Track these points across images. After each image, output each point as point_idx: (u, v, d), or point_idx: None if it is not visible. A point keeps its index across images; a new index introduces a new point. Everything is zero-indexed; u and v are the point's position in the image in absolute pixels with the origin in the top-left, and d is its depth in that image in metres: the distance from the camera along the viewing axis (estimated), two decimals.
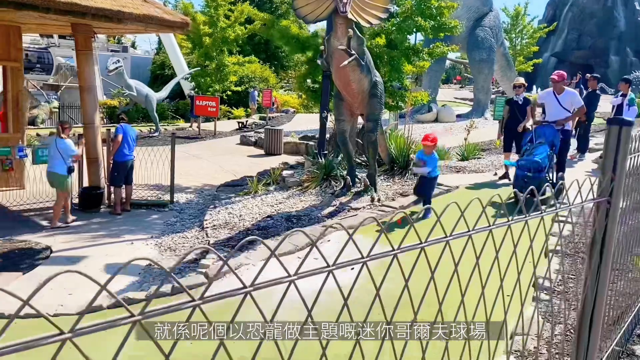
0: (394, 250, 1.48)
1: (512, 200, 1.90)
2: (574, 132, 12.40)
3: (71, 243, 7.33)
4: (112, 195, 9.13)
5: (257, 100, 25.86)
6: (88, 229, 8.10)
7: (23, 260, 6.65)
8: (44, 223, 8.42)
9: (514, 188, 7.50)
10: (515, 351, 3.49)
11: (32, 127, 20.65)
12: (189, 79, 22.62)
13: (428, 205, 2.50)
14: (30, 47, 29.98)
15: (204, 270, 5.47)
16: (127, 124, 9.39)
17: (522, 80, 9.96)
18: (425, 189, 7.79)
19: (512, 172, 8.83)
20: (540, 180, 7.51)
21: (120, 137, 8.93)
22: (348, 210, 7.66)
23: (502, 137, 10.60)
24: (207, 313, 1.17)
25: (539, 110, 9.14)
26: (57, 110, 22.81)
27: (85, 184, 9.51)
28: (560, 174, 8.36)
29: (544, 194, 7.21)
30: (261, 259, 5.68)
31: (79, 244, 7.29)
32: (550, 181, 7.95)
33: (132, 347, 3.39)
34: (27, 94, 22.02)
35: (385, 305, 1.52)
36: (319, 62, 8.56)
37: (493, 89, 29.96)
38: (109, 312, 4.84)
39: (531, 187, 1.93)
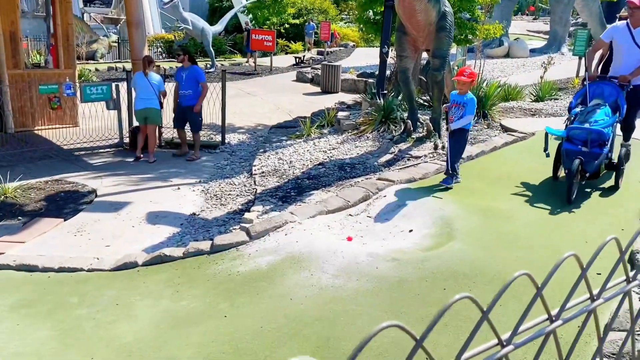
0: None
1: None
2: None
3: (117, 187, 7.07)
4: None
5: (316, 33, 24.75)
6: (137, 170, 7.84)
7: (67, 204, 6.45)
8: (94, 162, 8.25)
9: (565, 168, 5.57)
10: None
11: (91, 61, 20.72)
12: (245, 12, 21.77)
13: (454, 176, 1.75)
14: None
15: (246, 226, 5.02)
16: (186, 63, 8.54)
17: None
18: (454, 150, 5.91)
19: (553, 144, 6.03)
20: (601, 160, 5.50)
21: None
22: (408, 159, 6.94)
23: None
24: None
25: (598, 56, 6.32)
26: (115, 44, 22.72)
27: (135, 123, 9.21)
28: (626, 145, 6.26)
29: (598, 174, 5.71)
30: (309, 215, 5.15)
31: (125, 188, 7.03)
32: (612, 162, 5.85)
33: None
34: (86, 27, 22.05)
35: None
36: None
37: (572, 20, 27.33)
38: (143, 270, 4.50)
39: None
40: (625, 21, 6.07)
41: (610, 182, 5.92)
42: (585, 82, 6.00)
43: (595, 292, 0.96)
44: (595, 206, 5.42)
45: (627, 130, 6.43)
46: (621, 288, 1.03)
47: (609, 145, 5.54)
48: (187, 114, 8.41)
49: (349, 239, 4.83)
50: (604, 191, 5.80)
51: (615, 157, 5.84)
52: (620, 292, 1.03)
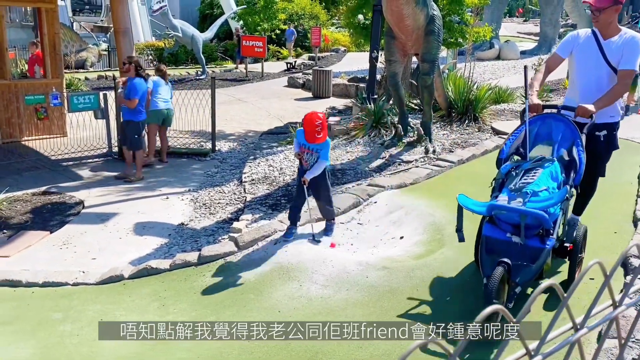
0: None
1: None
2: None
3: (105, 197, 6.97)
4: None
5: (306, 38, 24.69)
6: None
7: (54, 216, 6.35)
8: (82, 172, 8.14)
9: (483, 273, 3.40)
10: None
11: (81, 70, 20.58)
12: (236, 18, 21.72)
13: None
14: None
15: (235, 235, 4.93)
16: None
17: None
18: (323, 198, 4.95)
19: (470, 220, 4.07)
20: (544, 260, 3.37)
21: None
22: (399, 164, 6.89)
23: None
24: None
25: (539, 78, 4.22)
26: (105, 52, 22.60)
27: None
28: (576, 221, 4.14)
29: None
30: (298, 223, 5.07)
31: (113, 198, 6.93)
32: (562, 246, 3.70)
33: None
34: (76, 36, 21.94)
35: None
36: None
37: (562, 22, 27.46)
38: (129, 284, 4.41)
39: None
40: (588, 30, 4.12)
41: (563, 275, 3.97)
42: (524, 117, 3.92)
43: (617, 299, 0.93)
44: (587, 209, 5.37)
45: (585, 196, 4.24)
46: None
47: (555, 234, 3.40)
48: (125, 129, 7.77)
49: (332, 245, 4.75)
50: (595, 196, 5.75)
51: (569, 235, 3.83)
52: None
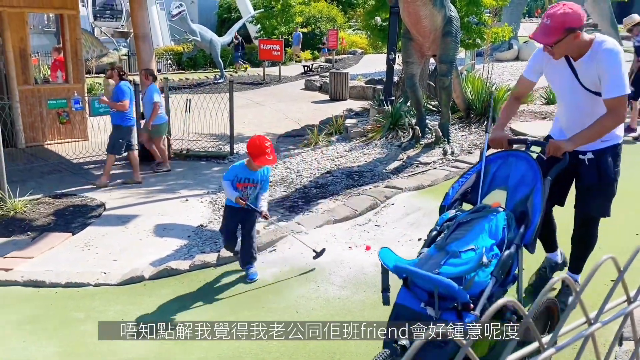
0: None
1: None
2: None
3: (126, 199, 7.07)
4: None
5: (323, 42, 24.74)
6: (145, 182, 7.84)
7: (76, 218, 6.46)
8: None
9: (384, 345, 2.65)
10: None
11: (102, 75, 20.87)
12: (253, 22, 21.87)
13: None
14: None
15: None
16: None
17: (636, 17, 8.30)
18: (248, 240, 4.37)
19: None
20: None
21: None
22: (416, 166, 6.87)
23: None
24: None
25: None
26: (126, 57, 22.91)
27: None
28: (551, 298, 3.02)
29: None
30: (315, 225, 5.09)
31: (134, 200, 7.02)
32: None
33: None
34: (97, 41, 22.28)
35: None
36: None
37: None
38: (150, 284, 4.47)
39: None
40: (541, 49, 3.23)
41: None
42: (482, 155, 3.17)
43: (631, 294, 0.94)
44: None
45: (578, 248, 3.44)
46: None
47: (480, 308, 2.47)
48: (112, 133, 7.73)
49: (367, 248, 4.71)
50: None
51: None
52: None
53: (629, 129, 7.90)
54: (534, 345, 0.76)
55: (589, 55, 2.98)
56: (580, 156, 3.17)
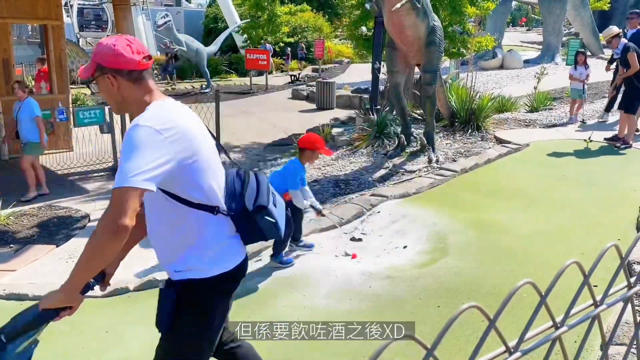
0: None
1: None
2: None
3: None
4: None
5: (310, 50, 24.82)
6: None
7: (60, 229, 6.40)
8: (88, 186, 8.21)
9: None
10: None
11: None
12: (240, 32, 21.90)
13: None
14: (85, 5, 30.05)
15: None
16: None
17: (615, 29, 8.47)
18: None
19: None
20: None
21: None
22: (402, 174, 6.92)
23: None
24: None
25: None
26: None
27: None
28: None
29: None
30: (302, 234, 5.09)
31: None
32: None
33: None
34: (82, 51, 22.18)
35: None
36: (367, 6, 7.66)
37: (565, 30, 27.50)
38: (135, 296, 4.44)
39: None
40: None
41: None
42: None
43: (598, 298, 0.96)
44: (590, 216, 5.37)
45: None
46: (622, 295, 1.03)
47: None
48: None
49: (354, 256, 4.72)
50: (598, 200, 5.75)
51: None
52: (622, 299, 1.02)
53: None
54: (501, 349, 0.78)
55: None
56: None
